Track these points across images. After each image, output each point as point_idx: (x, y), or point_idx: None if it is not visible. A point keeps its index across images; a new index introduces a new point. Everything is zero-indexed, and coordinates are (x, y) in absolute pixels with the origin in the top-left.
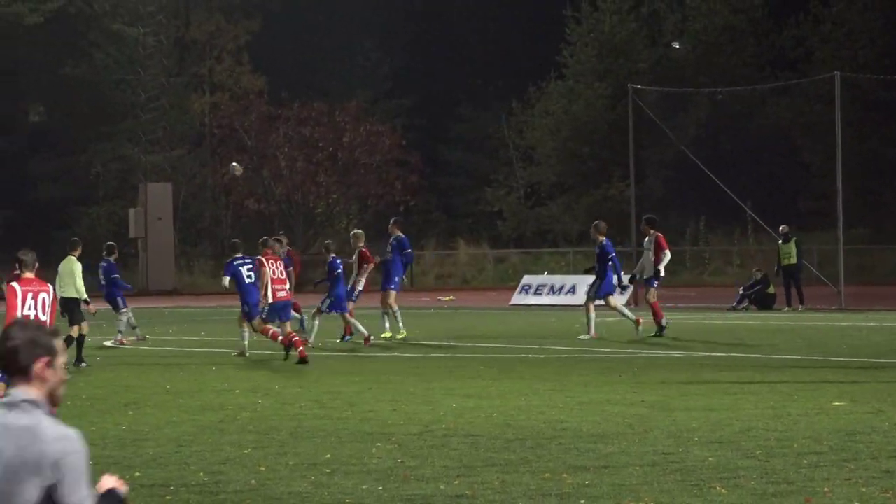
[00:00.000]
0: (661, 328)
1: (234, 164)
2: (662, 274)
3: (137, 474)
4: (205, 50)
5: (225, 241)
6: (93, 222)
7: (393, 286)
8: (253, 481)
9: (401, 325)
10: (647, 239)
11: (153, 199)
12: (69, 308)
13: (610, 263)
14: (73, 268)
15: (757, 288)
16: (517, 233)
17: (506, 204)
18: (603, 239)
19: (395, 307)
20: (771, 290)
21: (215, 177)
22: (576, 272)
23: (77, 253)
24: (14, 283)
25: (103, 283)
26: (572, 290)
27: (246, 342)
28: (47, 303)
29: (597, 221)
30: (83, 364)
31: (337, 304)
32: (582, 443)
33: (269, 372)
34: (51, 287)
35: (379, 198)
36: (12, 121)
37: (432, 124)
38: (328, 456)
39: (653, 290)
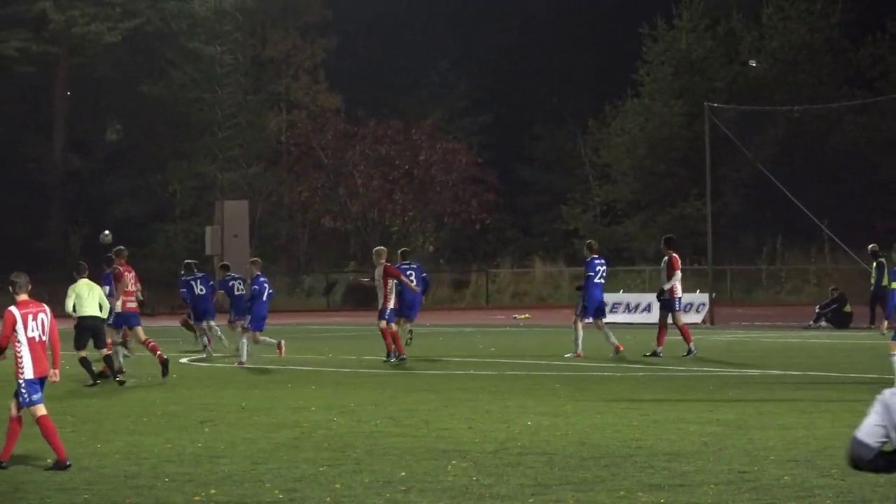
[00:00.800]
0: (689, 350)
1: (106, 232)
2: (678, 294)
3: (213, 491)
4: (281, 68)
5: (301, 258)
6: (169, 240)
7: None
8: (328, 499)
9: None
10: (664, 259)
11: (230, 217)
12: (95, 328)
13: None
14: (88, 289)
15: (833, 307)
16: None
17: (582, 222)
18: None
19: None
20: (847, 308)
21: (292, 194)
22: (651, 290)
23: (86, 275)
24: (12, 308)
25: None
26: (648, 308)
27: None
28: (46, 323)
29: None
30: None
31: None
32: (657, 461)
33: (344, 389)
34: (47, 307)
35: (455, 216)
36: (91, 139)
37: (508, 142)
38: (403, 474)
39: (678, 313)
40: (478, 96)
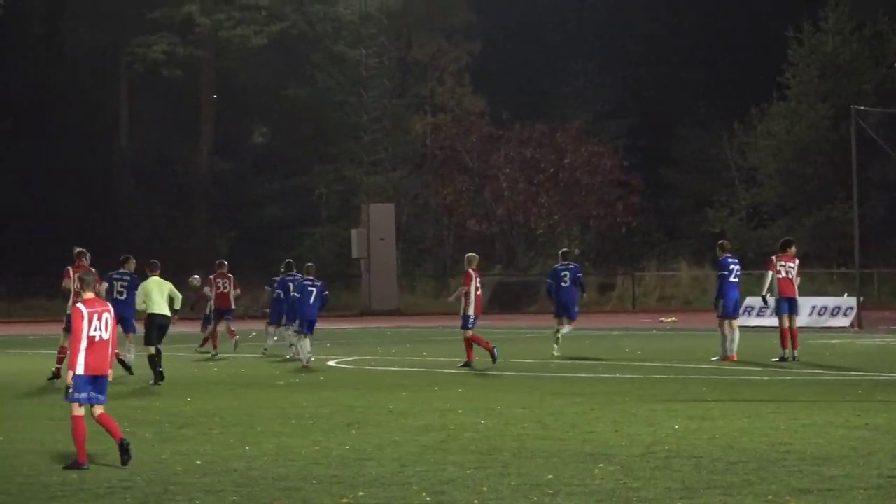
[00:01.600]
0: (781, 357)
1: (196, 276)
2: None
3: (361, 494)
4: (426, 71)
5: (447, 261)
6: (315, 243)
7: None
8: (475, 502)
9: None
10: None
11: (375, 220)
12: (158, 324)
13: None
14: (157, 287)
15: None
16: (739, 254)
17: (728, 225)
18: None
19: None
20: None
21: (437, 197)
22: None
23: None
24: (79, 305)
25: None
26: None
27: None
28: (110, 322)
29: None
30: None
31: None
32: (805, 465)
33: (491, 392)
34: (111, 307)
35: (600, 219)
36: (237, 143)
37: (654, 145)
38: (550, 477)
39: (784, 315)
40: (623, 99)
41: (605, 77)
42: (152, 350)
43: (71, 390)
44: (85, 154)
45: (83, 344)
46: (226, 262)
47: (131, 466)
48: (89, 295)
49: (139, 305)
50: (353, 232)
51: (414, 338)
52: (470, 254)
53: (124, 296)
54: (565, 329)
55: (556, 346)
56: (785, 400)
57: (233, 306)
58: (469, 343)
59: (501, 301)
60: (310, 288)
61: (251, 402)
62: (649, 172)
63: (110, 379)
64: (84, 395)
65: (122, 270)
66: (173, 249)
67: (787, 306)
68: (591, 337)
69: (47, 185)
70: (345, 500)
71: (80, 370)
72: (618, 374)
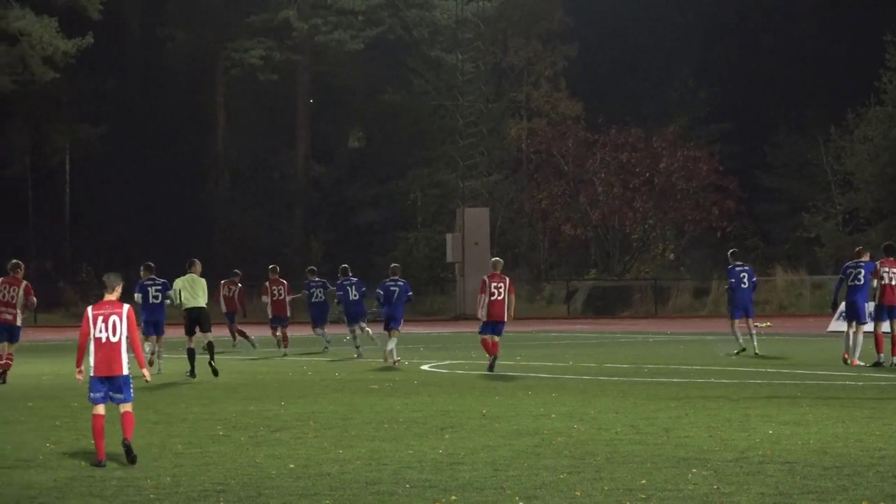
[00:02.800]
0: (876, 362)
1: None
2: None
3: (454, 498)
4: (522, 76)
5: (541, 265)
6: (410, 247)
7: None
8: None
9: None
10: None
11: (470, 224)
12: (203, 317)
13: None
14: (191, 283)
15: None
16: (835, 259)
17: (823, 230)
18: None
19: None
20: None
21: (532, 202)
22: None
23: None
24: (88, 308)
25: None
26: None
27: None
28: (118, 325)
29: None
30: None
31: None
32: None
33: (584, 396)
34: (126, 308)
35: (696, 223)
36: (333, 147)
37: (749, 150)
38: (643, 481)
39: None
40: (719, 104)
41: (701, 81)
42: (192, 344)
43: (90, 392)
44: (182, 158)
45: (91, 346)
46: (278, 268)
47: (225, 469)
48: (109, 297)
49: (175, 300)
50: (448, 236)
51: (507, 342)
52: (494, 258)
53: (159, 300)
54: (754, 330)
55: (739, 345)
56: (880, 405)
57: (288, 313)
58: (486, 345)
59: (596, 306)
60: (392, 287)
61: (345, 405)
62: (745, 177)
63: (147, 380)
64: (100, 394)
65: (152, 277)
66: (271, 253)
67: (885, 313)
68: (685, 342)
69: (144, 190)
70: None
71: (91, 372)
72: (712, 379)
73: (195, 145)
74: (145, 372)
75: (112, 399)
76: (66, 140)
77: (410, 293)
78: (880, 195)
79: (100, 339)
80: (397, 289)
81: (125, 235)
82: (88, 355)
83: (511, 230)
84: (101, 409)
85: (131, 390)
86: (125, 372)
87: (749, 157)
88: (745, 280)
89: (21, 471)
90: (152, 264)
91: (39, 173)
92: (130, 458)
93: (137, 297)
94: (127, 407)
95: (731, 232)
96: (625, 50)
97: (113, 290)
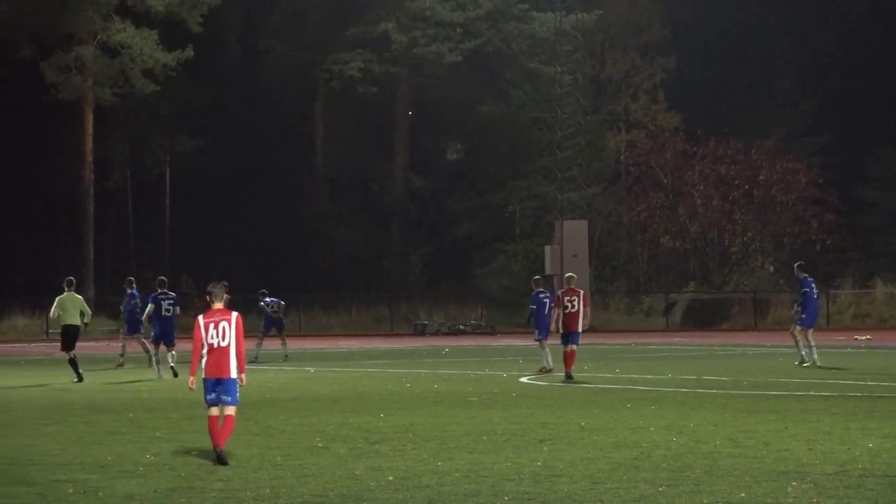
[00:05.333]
0: None
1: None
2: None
3: None
4: (620, 88)
5: (640, 278)
6: (508, 259)
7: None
8: None
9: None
10: None
11: (569, 237)
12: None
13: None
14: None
15: None
16: None
17: None
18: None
19: None
20: None
21: (630, 214)
22: None
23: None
24: (199, 316)
25: None
26: None
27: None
28: (227, 331)
29: None
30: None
31: None
32: None
33: (683, 409)
34: (234, 315)
35: (795, 236)
36: (431, 159)
37: (850, 162)
38: (743, 495)
39: None
40: (819, 116)
41: (800, 93)
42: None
43: (204, 394)
44: (280, 170)
45: (203, 351)
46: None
47: (324, 481)
48: (217, 305)
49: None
50: (547, 248)
51: (607, 354)
52: (567, 274)
53: (171, 313)
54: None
55: (804, 355)
56: None
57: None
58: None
59: (694, 318)
60: (544, 299)
61: (444, 418)
62: (844, 189)
63: (242, 384)
64: (213, 395)
65: (165, 290)
66: (370, 265)
67: None
68: (784, 354)
69: (242, 201)
70: None
71: (202, 374)
72: (811, 392)
73: (294, 157)
74: (243, 377)
75: (220, 401)
76: (165, 152)
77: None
78: None
79: (211, 344)
80: (547, 300)
81: (224, 247)
82: (200, 361)
83: (609, 242)
84: (215, 410)
85: (237, 395)
86: (233, 375)
87: (849, 170)
88: (815, 290)
89: (123, 481)
90: (165, 279)
91: (140, 185)
92: (222, 462)
93: (150, 308)
94: (231, 411)
95: (831, 245)
96: (723, 61)
97: (221, 299)
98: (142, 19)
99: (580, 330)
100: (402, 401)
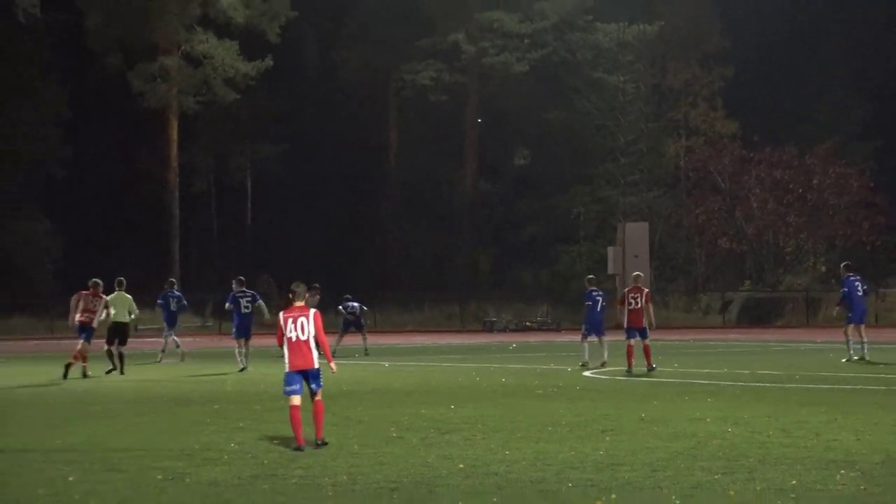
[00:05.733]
0: None
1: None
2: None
3: (614, 497)
4: (680, 96)
5: (698, 278)
6: (573, 260)
7: None
8: None
9: None
10: None
11: (630, 238)
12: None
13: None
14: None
15: None
16: None
17: None
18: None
19: None
20: None
21: (689, 217)
22: None
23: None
24: (280, 313)
25: None
26: None
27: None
28: (305, 325)
29: None
30: None
31: None
32: None
33: (739, 402)
34: (312, 311)
35: (846, 238)
36: (499, 164)
37: None
38: (794, 482)
39: None
40: (871, 122)
41: (854, 100)
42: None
43: (285, 385)
44: (355, 175)
45: (285, 345)
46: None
47: (398, 468)
48: (299, 303)
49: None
50: (609, 249)
51: (666, 350)
52: (634, 273)
53: (249, 309)
54: (866, 338)
55: (851, 352)
56: None
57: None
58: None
59: (750, 315)
60: (597, 297)
61: (512, 409)
62: (895, 193)
63: (333, 371)
64: (296, 387)
65: (243, 289)
66: (439, 266)
67: None
68: (834, 350)
69: (320, 204)
70: (599, 503)
71: (287, 367)
72: (860, 386)
73: (368, 162)
74: (332, 365)
75: (310, 389)
76: (246, 158)
77: (605, 303)
78: None
79: (291, 338)
80: (600, 298)
81: (302, 247)
82: (283, 354)
83: (669, 244)
84: (296, 400)
85: (321, 381)
86: (316, 365)
87: None
88: (860, 288)
89: (208, 468)
90: (243, 278)
91: (222, 189)
92: (319, 446)
93: (228, 307)
94: (319, 395)
95: (881, 245)
96: (779, 70)
97: (302, 298)
98: (223, 30)
99: (645, 326)
100: (472, 393)
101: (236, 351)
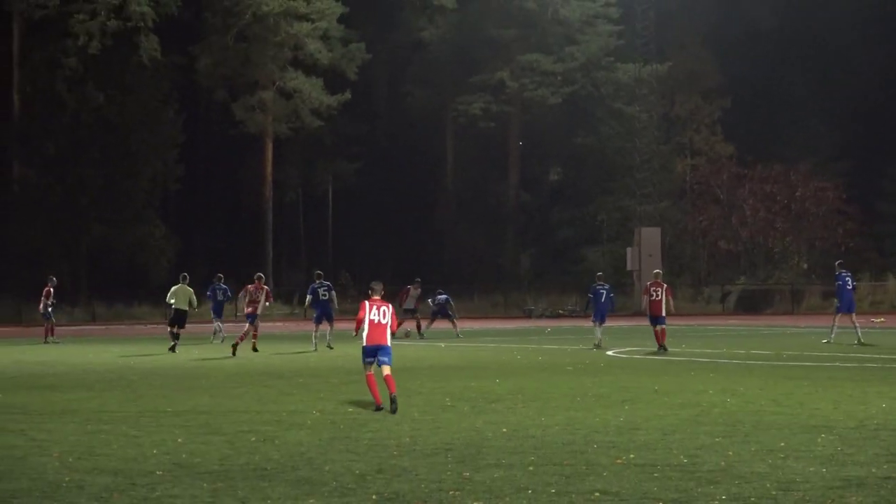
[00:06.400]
0: None
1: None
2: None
3: (632, 455)
4: (686, 123)
5: (701, 273)
6: (597, 258)
7: None
8: (722, 463)
9: None
10: None
11: (645, 240)
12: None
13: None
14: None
15: None
16: None
17: None
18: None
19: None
20: None
21: (694, 223)
22: None
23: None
24: (365, 301)
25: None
26: None
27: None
28: (386, 312)
29: None
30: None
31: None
32: None
33: (736, 376)
34: (389, 305)
35: (824, 240)
36: (537, 179)
37: (869, 182)
38: (782, 444)
39: None
40: (844, 145)
41: (830, 127)
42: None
43: (363, 357)
44: (418, 188)
45: (366, 325)
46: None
47: (452, 431)
48: (376, 297)
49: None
50: (628, 250)
51: (675, 334)
52: (655, 270)
53: (326, 297)
54: (857, 323)
55: (833, 336)
56: None
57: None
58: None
59: (745, 304)
60: (601, 290)
61: (546, 383)
62: (864, 203)
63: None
64: (371, 359)
65: (321, 280)
66: (488, 264)
67: None
68: (815, 334)
69: (389, 213)
70: (619, 461)
71: (364, 343)
72: (837, 364)
73: (428, 177)
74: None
75: (379, 362)
76: (329, 174)
77: (613, 295)
78: None
79: (373, 320)
80: (604, 291)
81: (374, 248)
82: (363, 332)
83: (677, 245)
84: (372, 369)
85: (391, 359)
86: (388, 344)
87: (869, 188)
88: (850, 283)
89: (294, 431)
90: (321, 272)
91: (309, 200)
92: (394, 408)
93: (308, 299)
94: (387, 370)
95: (853, 247)
96: (768, 102)
97: (378, 293)
98: (310, 70)
99: (663, 314)
100: (514, 369)
101: (313, 335)
